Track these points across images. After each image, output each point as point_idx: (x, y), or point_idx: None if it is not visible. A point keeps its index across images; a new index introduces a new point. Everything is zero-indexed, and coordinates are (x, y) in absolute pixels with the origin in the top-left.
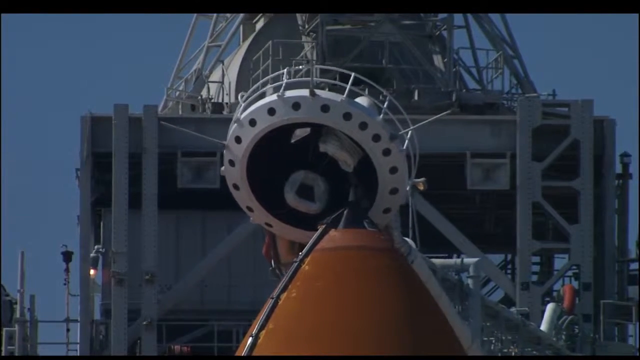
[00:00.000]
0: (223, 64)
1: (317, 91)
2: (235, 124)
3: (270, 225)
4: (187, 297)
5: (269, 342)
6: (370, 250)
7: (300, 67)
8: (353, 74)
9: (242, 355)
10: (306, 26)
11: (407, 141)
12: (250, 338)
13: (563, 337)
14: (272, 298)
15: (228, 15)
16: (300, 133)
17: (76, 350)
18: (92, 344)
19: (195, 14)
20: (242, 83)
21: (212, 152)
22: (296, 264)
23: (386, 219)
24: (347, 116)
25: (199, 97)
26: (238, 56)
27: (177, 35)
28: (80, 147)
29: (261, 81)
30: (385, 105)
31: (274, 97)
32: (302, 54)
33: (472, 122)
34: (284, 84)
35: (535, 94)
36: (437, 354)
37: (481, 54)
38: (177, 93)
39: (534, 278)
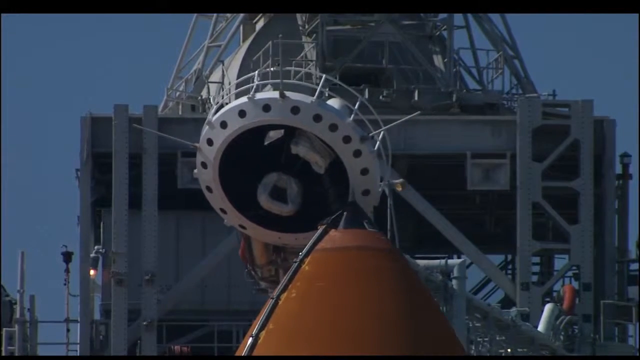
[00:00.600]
0: (223, 64)
1: (288, 93)
2: (207, 126)
3: (244, 228)
4: (187, 297)
5: (269, 342)
6: (370, 251)
7: (272, 69)
8: (324, 76)
9: (243, 354)
10: (306, 26)
11: (378, 142)
12: (251, 338)
13: (561, 337)
14: (272, 298)
15: (228, 15)
16: (274, 135)
17: (76, 350)
18: (92, 344)
19: (195, 14)
20: (242, 83)
21: None
22: (296, 264)
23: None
24: (317, 118)
25: (199, 98)
26: (238, 56)
27: (177, 35)
28: (80, 148)
29: (233, 83)
30: (356, 107)
31: (245, 99)
32: (302, 54)
33: (472, 122)
34: (254, 86)
35: (535, 94)
36: (437, 354)
37: (481, 54)
38: (177, 93)
39: (534, 278)
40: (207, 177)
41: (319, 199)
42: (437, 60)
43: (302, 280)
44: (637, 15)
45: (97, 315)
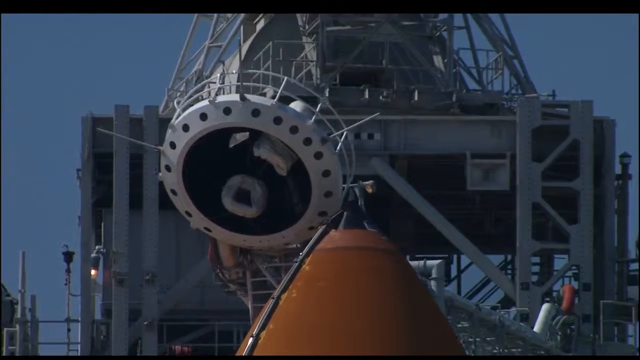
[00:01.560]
0: (224, 65)
1: (248, 96)
2: (170, 130)
3: (209, 230)
4: (188, 297)
5: (270, 342)
6: (370, 251)
7: (234, 72)
8: (286, 78)
9: (243, 354)
10: (307, 27)
11: (340, 144)
12: (251, 338)
13: (558, 337)
14: (273, 298)
15: (229, 15)
16: (240, 137)
17: (77, 350)
18: (93, 343)
19: (195, 15)
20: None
21: None
22: (297, 264)
23: (323, 222)
24: (277, 120)
25: (200, 98)
26: (239, 57)
27: (178, 36)
28: (82, 148)
29: (195, 87)
30: (317, 109)
31: (206, 102)
32: (302, 55)
33: (472, 122)
34: (216, 90)
35: (535, 95)
36: (437, 353)
37: (481, 54)
38: (178, 94)
39: (534, 278)
40: (171, 180)
41: (283, 201)
42: (437, 60)
43: (302, 280)
44: (637, 15)
45: (98, 315)
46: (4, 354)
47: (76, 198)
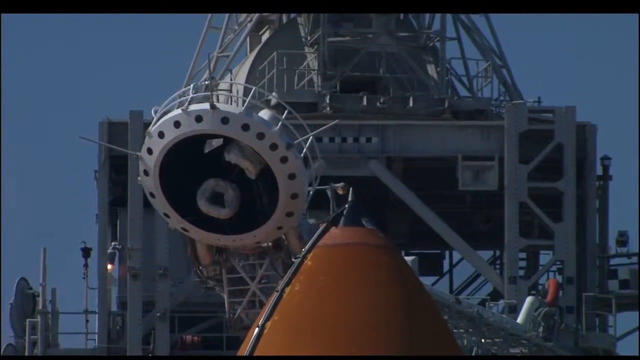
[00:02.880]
0: (231, 73)
1: (218, 104)
2: (147, 136)
3: (186, 230)
4: (198, 290)
5: (274, 332)
6: (368, 247)
7: (205, 82)
8: (254, 88)
9: (249, 344)
10: (309, 38)
11: (305, 148)
12: (257, 328)
13: (540, 327)
14: (277, 291)
15: (236, 27)
16: (215, 143)
17: (94, 339)
18: (110, 334)
19: (205, 26)
20: (249, 91)
21: None
22: (299, 259)
23: (290, 222)
24: (245, 127)
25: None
26: (245, 66)
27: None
28: (98, 151)
29: (171, 97)
30: (284, 116)
31: (179, 111)
32: (305, 64)
33: (463, 127)
34: (189, 99)
35: (521, 101)
36: (431, 343)
37: (471, 63)
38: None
39: (521, 273)
40: (149, 184)
41: (254, 203)
42: (431, 69)
43: (305, 275)
44: (617, 26)
45: (114, 307)
46: (26, 344)
47: (94, 198)
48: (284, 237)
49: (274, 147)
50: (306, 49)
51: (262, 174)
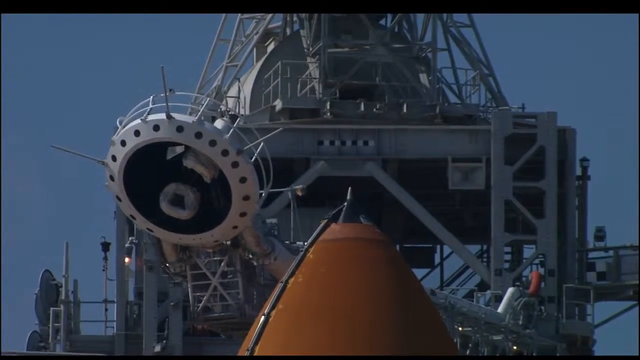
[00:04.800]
0: (239, 81)
1: (174, 114)
2: (111, 145)
3: (151, 230)
4: None
5: (279, 320)
6: (366, 241)
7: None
8: (208, 99)
9: (256, 330)
10: (310, 49)
11: (255, 154)
12: (263, 316)
13: (520, 317)
14: (282, 282)
15: (243, 39)
16: (178, 150)
17: (113, 327)
18: (127, 321)
19: (215, 38)
20: (256, 98)
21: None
22: (302, 253)
23: (244, 222)
24: (198, 135)
25: (219, 110)
26: (252, 74)
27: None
28: None
29: (137, 106)
30: (235, 125)
31: (138, 120)
32: (307, 73)
33: (452, 131)
34: (149, 110)
35: (507, 107)
36: (424, 330)
37: (461, 72)
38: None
39: (506, 265)
40: (115, 188)
41: (211, 205)
42: (423, 78)
43: (307, 267)
44: (594, 35)
45: (131, 297)
46: (50, 331)
47: (112, 196)
48: (241, 235)
49: (225, 153)
50: (308, 59)
51: (219, 178)
